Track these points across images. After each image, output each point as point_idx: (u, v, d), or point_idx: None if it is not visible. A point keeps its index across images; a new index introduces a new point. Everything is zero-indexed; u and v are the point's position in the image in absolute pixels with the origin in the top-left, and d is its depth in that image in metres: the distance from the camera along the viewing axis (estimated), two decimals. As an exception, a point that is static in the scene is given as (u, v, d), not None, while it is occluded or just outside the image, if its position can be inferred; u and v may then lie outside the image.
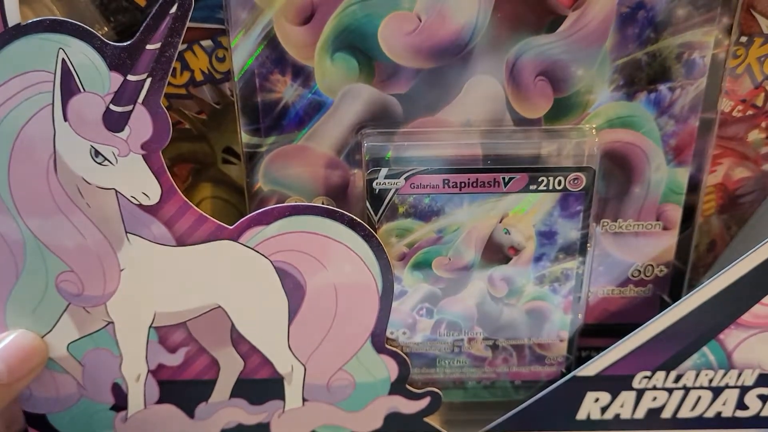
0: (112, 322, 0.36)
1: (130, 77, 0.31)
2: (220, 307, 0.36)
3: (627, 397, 0.38)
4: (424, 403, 0.39)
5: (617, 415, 0.39)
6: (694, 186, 0.36)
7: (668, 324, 0.36)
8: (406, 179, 0.33)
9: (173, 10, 0.30)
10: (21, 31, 0.30)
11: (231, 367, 0.38)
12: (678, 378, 0.38)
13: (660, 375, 0.38)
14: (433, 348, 0.38)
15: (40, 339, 0.36)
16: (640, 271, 0.38)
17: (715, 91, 0.33)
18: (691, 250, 0.37)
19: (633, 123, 0.34)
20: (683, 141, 0.34)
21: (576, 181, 0.33)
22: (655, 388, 0.38)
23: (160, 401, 0.39)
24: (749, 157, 0.36)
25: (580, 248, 0.35)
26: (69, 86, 0.31)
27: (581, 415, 0.39)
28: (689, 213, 0.36)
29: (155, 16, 0.30)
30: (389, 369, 0.38)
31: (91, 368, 0.38)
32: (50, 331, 0.36)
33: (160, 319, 0.36)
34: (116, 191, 0.33)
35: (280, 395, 0.38)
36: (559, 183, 0.33)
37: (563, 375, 0.38)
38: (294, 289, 0.35)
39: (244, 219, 0.34)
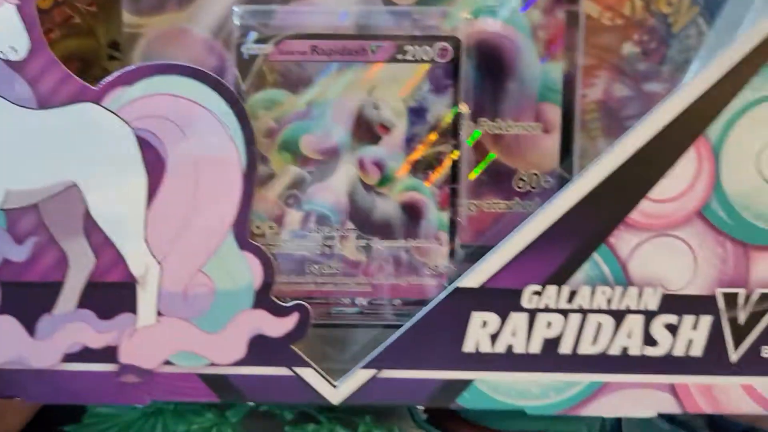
0: (-42, 201, 0.34)
1: (12, -76, 0.33)
2: (75, 186, 0.34)
3: (518, 320, 0.34)
4: (291, 322, 0.35)
5: (510, 348, 0.35)
6: (570, 88, 0.36)
7: (549, 222, 0.34)
8: (275, 45, 0.34)
9: None
10: None
11: (81, 265, 0.35)
12: (572, 296, 0.34)
13: (551, 291, 0.34)
14: (301, 247, 0.35)
15: None
16: (524, 180, 0.36)
17: (576, -15, 0.35)
18: (575, 158, 0.36)
19: (501, 13, 0.35)
20: (552, 34, 0.35)
21: (443, 52, 0.34)
22: (548, 309, 0.34)
23: (-1, 311, 0.35)
24: (627, 73, 0.37)
25: (452, 130, 0.34)
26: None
27: (469, 346, 0.35)
28: (568, 117, 0.36)
29: None
30: (253, 271, 0.34)
31: (-73, 265, 0.35)
32: None
33: (11, 198, 0.34)
34: (-17, 45, 0.33)
35: (132, 306, 0.35)
36: (426, 53, 0.34)
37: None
38: (154, 163, 0.34)
39: (109, 78, 0.34)
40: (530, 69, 0.35)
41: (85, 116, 0.34)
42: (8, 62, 0.34)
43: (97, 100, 0.34)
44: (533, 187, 0.36)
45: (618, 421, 0.42)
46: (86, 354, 0.35)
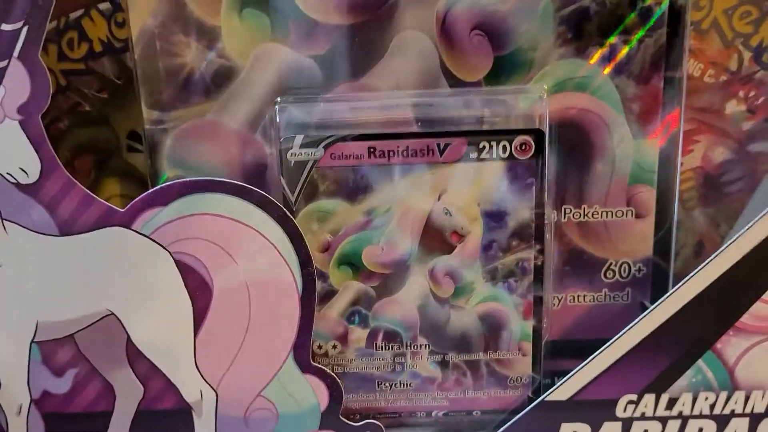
0: (-12, 337, 0.31)
1: (4, 27, 0.27)
2: (112, 314, 0.30)
3: (612, 429, 0.31)
4: (364, 441, 0.32)
5: (602, 457, 0.32)
6: (667, 165, 0.31)
7: (649, 330, 0.30)
8: (325, 148, 0.29)
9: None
10: None
11: (128, 395, 0.32)
12: (671, 403, 0.31)
13: (648, 399, 0.31)
14: (370, 366, 0.31)
15: None
16: (614, 270, 0.32)
17: (679, 48, 0.29)
18: (673, 243, 0.31)
19: (587, 84, 0.29)
20: (648, 106, 0.30)
21: (524, 147, 0.29)
22: (644, 417, 0.31)
23: (45, 443, 0.32)
24: (730, 134, 0.31)
25: (536, 233, 0.30)
26: (-65, 41, 0.27)
27: (557, 458, 0.32)
28: (665, 200, 0.31)
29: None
30: (318, 394, 0.31)
31: (-36, 399, 0.32)
32: None
33: (44, 331, 0.31)
34: (-9, 168, 0.29)
35: (189, 432, 0.32)
36: (504, 149, 0.29)
37: (531, 402, 0.31)
38: (199, 289, 0.30)
39: (137, 200, 0.29)
40: (621, 147, 0.30)
41: (115, 241, 0.30)
42: (20, 186, 0.29)
43: (125, 224, 0.29)
44: (623, 277, 0.32)
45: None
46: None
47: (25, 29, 0.27)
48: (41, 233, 0.30)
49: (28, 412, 0.32)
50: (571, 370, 0.31)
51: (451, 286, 0.30)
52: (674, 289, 0.29)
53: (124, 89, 0.31)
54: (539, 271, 0.30)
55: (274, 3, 0.29)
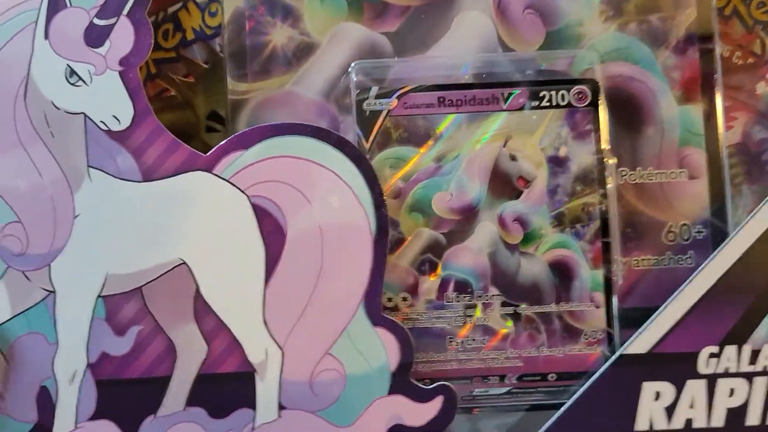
0: (53, 292, 0.30)
1: (117, -12, 0.31)
2: (183, 263, 0.30)
3: (696, 389, 0.30)
4: (435, 407, 0.30)
5: (689, 423, 0.30)
6: (712, 130, 0.33)
7: (720, 274, 0.30)
8: (398, 98, 0.31)
9: None
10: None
11: (190, 355, 0.30)
12: (754, 356, 0.30)
13: (730, 351, 0.30)
14: (439, 320, 0.31)
15: None
16: (674, 233, 0.33)
17: (708, 25, 0.33)
18: (728, 205, 0.32)
19: (630, 55, 0.33)
20: (687, 75, 0.33)
21: (581, 96, 0.31)
22: (727, 373, 0.30)
23: (95, 416, 0.30)
24: (765, 114, 0.34)
25: (598, 177, 0.31)
26: (56, 1, 0.31)
27: (642, 424, 0.30)
28: (715, 162, 0.33)
29: None
30: (388, 350, 0.30)
31: (17, 365, 0.30)
32: (-22, 308, 0.30)
33: (112, 284, 0.31)
34: (85, 116, 0.31)
35: (250, 400, 0.30)
36: (563, 98, 0.31)
37: (606, 360, 0.30)
38: (273, 234, 0.30)
39: (220, 144, 0.31)
40: (668, 113, 0.33)
41: (195, 186, 0.31)
42: (110, 133, 0.31)
43: (208, 168, 0.31)
44: (685, 239, 0.32)
45: None
46: (197, 463, 0.30)
47: (136, -10, 0.31)
48: (124, 179, 0.31)
49: (82, 380, 0.30)
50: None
51: (520, 231, 0.31)
52: (739, 228, 0.30)
53: (210, 73, 0.34)
54: (605, 218, 0.31)
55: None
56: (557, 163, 0.31)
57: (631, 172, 0.33)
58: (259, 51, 0.33)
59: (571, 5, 0.33)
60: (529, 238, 0.31)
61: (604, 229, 0.31)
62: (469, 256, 0.31)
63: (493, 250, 0.31)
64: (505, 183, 0.31)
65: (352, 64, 0.32)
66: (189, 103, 0.35)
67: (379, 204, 0.30)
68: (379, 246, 0.30)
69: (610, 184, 0.31)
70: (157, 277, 0.31)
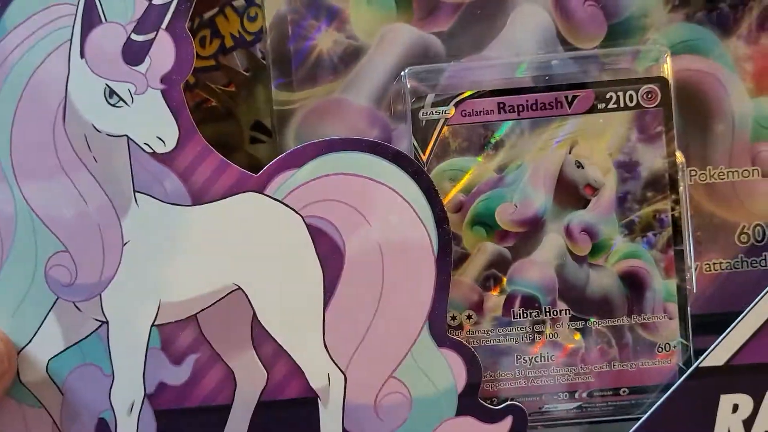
0: (106, 322, 0.29)
1: (155, 1, 0.29)
2: (239, 289, 0.29)
3: (775, 400, 0.29)
4: (505, 427, 0.29)
5: (768, 434, 0.29)
6: (786, 124, 0.31)
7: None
8: (456, 106, 0.29)
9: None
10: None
11: (250, 382, 0.30)
12: (837, 364, 0.29)
13: (811, 361, 0.29)
14: (506, 338, 0.30)
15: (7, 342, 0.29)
16: (748, 234, 0.31)
17: (781, 12, 0.31)
18: (805, 202, 0.31)
19: (699, 47, 0.31)
20: (760, 65, 0.31)
21: (650, 96, 0.29)
22: (809, 383, 0.29)
23: (156, 446, 0.30)
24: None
25: (670, 182, 0.29)
26: (91, 17, 0.29)
27: (719, 437, 0.29)
28: (790, 158, 0.31)
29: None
30: (454, 371, 0.29)
31: (73, 397, 0.30)
32: (31, 340, 0.29)
33: (166, 311, 0.30)
34: (128, 139, 0.29)
35: (314, 426, 0.29)
36: (631, 98, 0.29)
37: (682, 374, 0.29)
38: (330, 255, 0.29)
39: (271, 163, 0.29)
40: (740, 106, 0.31)
41: (246, 208, 0.29)
42: (155, 155, 0.29)
43: (260, 189, 0.29)
44: (758, 241, 0.31)
45: None
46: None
47: (175, 2, 0.29)
48: (173, 203, 0.29)
49: (140, 410, 0.30)
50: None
51: (588, 242, 0.29)
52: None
53: (252, 80, 0.33)
54: (678, 224, 0.29)
55: (397, -14, 0.31)
56: (626, 168, 0.29)
57: (701, 172, 0.31)
58: (304, 57, 0.31)
59: (635, -5, 0.31)
60: (598, 248, 0.29)
61: (677, 237, 0.29)
62: (536, 270, 0.29)
63: (561, 262, 0.29)
64: (571, 192, 0.29)
65: (405, 70, 0.30)
66: (231, 114, 0.33)
67: (440, 220, 0.29)
68: (442, 264, 0.29)
69: (682, 188, 0.29)
70: (213, 304, 0.29)
